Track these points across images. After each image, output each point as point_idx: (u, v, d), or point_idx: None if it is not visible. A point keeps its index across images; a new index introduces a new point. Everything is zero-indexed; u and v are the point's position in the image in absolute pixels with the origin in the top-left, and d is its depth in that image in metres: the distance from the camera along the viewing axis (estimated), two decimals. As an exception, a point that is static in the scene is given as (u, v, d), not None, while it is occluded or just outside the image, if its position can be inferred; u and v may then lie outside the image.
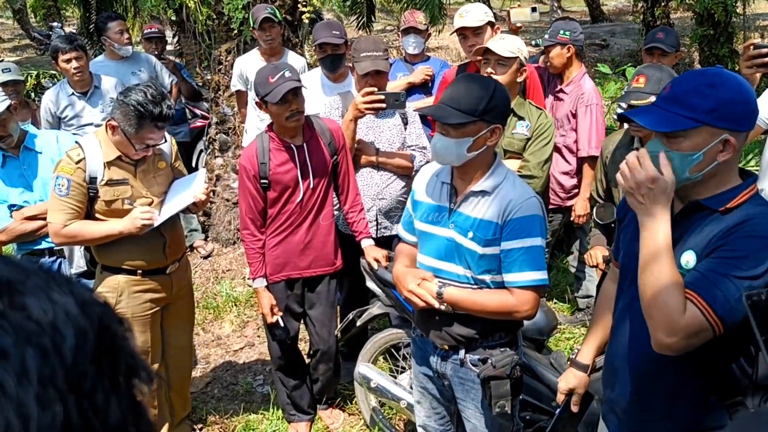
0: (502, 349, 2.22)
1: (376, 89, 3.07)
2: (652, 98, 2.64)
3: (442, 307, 2.15)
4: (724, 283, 1.47)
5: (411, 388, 2.68)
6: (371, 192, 3.30)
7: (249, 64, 4.37)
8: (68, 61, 4.29)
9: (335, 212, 3.19)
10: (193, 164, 5.77)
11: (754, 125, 1.63)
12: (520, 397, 2.37)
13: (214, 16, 5.02)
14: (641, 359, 1.72)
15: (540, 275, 2.08)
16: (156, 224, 2.78)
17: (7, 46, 19.04)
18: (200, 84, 5.93)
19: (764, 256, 1.47)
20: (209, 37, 5.20)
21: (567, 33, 3.95)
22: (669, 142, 1.60)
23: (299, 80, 2.83)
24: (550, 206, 3.92)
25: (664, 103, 1.62)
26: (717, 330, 1.48)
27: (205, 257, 5.25)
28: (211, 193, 5.10)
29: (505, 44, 3.06)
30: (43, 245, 3.13)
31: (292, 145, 2.96)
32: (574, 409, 2.09)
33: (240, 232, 3.21)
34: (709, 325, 1.47)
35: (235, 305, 4.65)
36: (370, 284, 3.08)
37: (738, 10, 9.17)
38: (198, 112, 5.78)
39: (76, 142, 2.81)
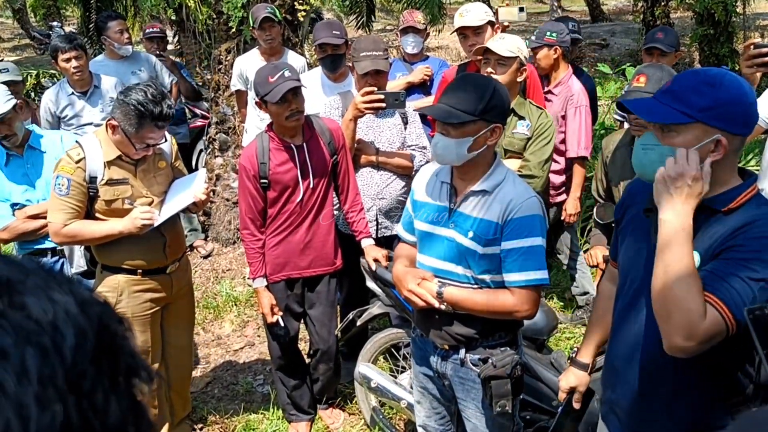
0: (502, 349, 2.22)
1: (375, 89, 3.07)
2: (653, 98, 2.64)
3: (442, 307, 2.15)
4: (740, 285, 1.45)
5: (411, 387, 2.68)
6: (371, 192, 3.30)
7: (249, 64, 4.37)
8: (68, 60, 4.29)
9: (335, 212, 3.19)
10: (193, 164, 5.77)
11: (751, 131, 1.61)
12: (521, 396, 2.37)
13: (214, 16, 5.02)
14: (642, 359, 1.71)
15: (540, 275, 2.08)
16: (156, 224, 2.78)
17: (7, 45, 19.05)
18: (200, 84, 5.93)
19: None
20: (209, 36, 5.20)
21: (554, 34, 3.97)
22: (662, 136, 1.60)
23: (299, 80, 2.83)
24: None
25: (661, 96, 1.62)
26: (731, 332, 1.46)
27: (205, 257, 5.24)
28: (211, 193, 5.10)
29: (505, 44, 3.05)
30: (46, 244, 3.13)
31: (291, 145, 2.96)
32: (577, 406, 2.10)
33: (240, 232, 3.21)
34: (725, 328, 1.45)
35: (235, 305, 4.65)
36: (370, 284, 3.08)
37: (738, 10, 9.18)
38: (198, 111, 5.78)
39: (76, 141, 2.81)
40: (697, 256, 1.54)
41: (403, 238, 2.40)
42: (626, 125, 3.53)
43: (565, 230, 4.14)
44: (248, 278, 4.27)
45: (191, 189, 2.87)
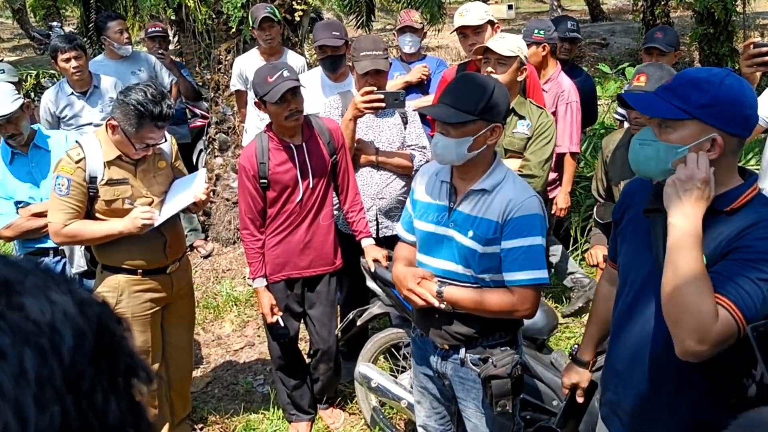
0: (502, 348, 2.22)
1: (375, 88, 3.06)
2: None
3: (442, 306, 2.15)
4: (750, 286, 1.45)
5: (411, 387, 2.68)
6: (371, 191, 3.30)
7: (248, 64, 4.37)
8: (67, 60, 4.29)
9: (335, 212, 3.19)
10: (194, 164, 5.76)
11: (749, 133, 1.59)
12: (521, 396, 2.37)
13: (214, 16, 5.02)
14: (645, 360, 1.70)
15: (540, 274, 2.07)
16: (156, 224, 2.78)
17: (7, 45, 19.05)
18: (200, 84, 5.93)
19: None
20: (209, 36, 5.20)
21: (541, 32, 3.99)
22: (660, 132, 1.60)
23: (297, 79, 2.83)
24: None
25: (661, 92, 1.62)
26: (742, 334, 1.44)
27: (205, 257, 5.24)
28: (211, 193, 5.10)
29: (505, 43, 3.05)
30: (48, 244, 3.14)
31: (291, 145, 2.96)
32: (580, 400, 2.11)
33: (240, 232, 3.21)
34: (737, 330, 1.44)
35: (236, 305, 4.65)
36: (371, 284, 3.07)
37: (738, 9, 9.18)
38: (198, 111, 5.78)
39: (76, 141, 2.81)
40: (702, 257, 1.54)
41: (403, 238, 2.40)
42: (626, 124, 3.53)
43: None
44: (248, 278, 4.27)
45: (191, 189, 2.87)
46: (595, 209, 3.26)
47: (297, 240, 3.03)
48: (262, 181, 2.94)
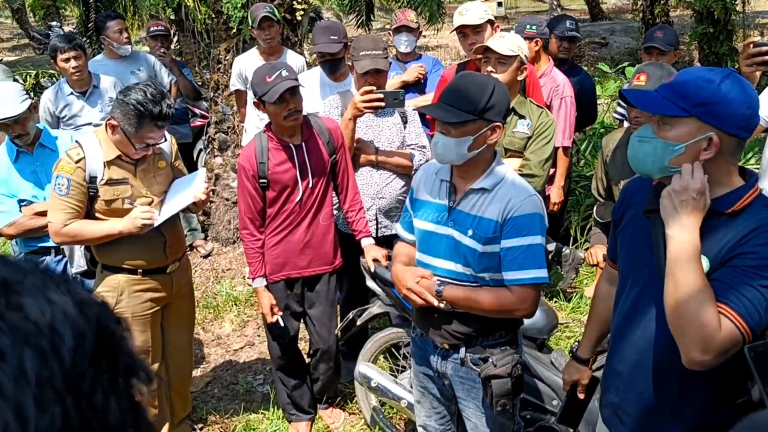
0: (502, 348, 2.22)
1: (375, 88, 3.06)
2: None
3: (442, 306, 2.15)
4: (753, 294, 1.45)
5: (411, 387, 2.68)
6: (371, 191, 3.30)
7: (248, 63, 4.36)
8: (67, 60, 4.28)
9: (335, 212, 3.19)
10: (195, 163, 5.75)
11: (749, 134, 1.58)
12: (521, 396, 2.37)
13: (213, 15, 5.01)
14: (648, 363, 1.70)
15: (540, 273, 2.07)
16: (156, 224, 2.78)
17: (6, 45, 19.05)
18: (199, 83, 5.93)
19: None
20: (208, 36, 5.20)
21: (533, 27, 4.02)
22: (659, 129, 1.60)
23: (296, 79, 2.83)
24: None
25: (662, 89, 1.62)
26: (746, 342, 1.45)
27: (205, 256, 5.24)
28: (211, 193, 5.09)
29: (505, 42, 3.05)
30: (50, 243, 3.15)
31: (290, 145, 2.96)
32: (581, 396, 2.12)
33: (239, 232, 3.21)
34: (742, 339, 1.44)
35: (235, 305, 4.65)
36: (370, 283, 3.07)
37: (737, 8, 9.17)
38: (197, 111, 5.77)
39: (76, 141, 2.81)
40: (705, 262, 1.53)
41: (403, 237, 2.39)
42: (626, 124, 3.53)
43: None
44: (248, 278, 4.27)
45: (191, 189, 2.87)
46: (594, 208, 3.26)
47: (297, 239, 3.03)
48: (261, 180, 2.94)
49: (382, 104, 3.05)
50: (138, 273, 2.86)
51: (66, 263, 3.18)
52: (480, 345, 2.22)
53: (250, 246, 3.03)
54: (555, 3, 16.62)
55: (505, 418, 2.27)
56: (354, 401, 3.52)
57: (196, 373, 3.88)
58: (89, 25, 6.59)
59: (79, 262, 3.08)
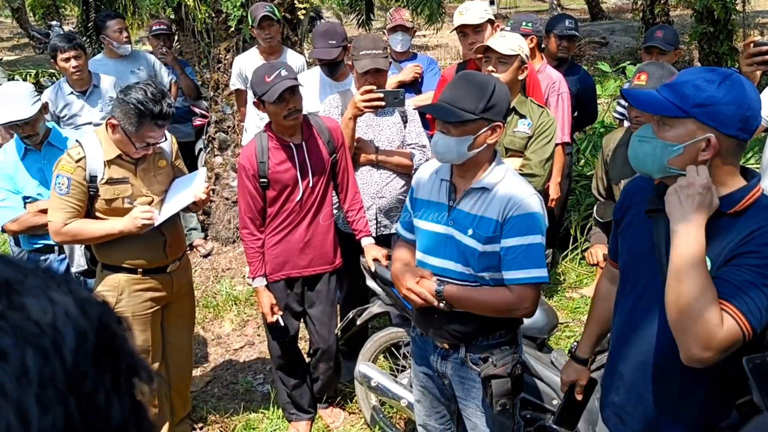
0: (502, 348, 2.22)
1: (375, 87, 3.06)
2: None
3: (441, 305, 2.15)
4: (756, 292, 1.44)
5: (411, 386, 2.68)
6: (371, 190, 3.30)
7: (248, 63, 4.36)
8: (67, 60, 4.28)
9: (335, 211, 3.19)
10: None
11: (749, 135, 1.57)
12: (521, 395, 2.37)
13: (213, 15, 5.01)
14: (649, 363, 1.70)
15: (540, 272, 2.07)
16: (156, 223, 2.78)
17: (6, 45, 19.04)
18: (199, 83, 5.92)
19: None
20: (208, 35, 5.19)
21: (529, 24, 4.04)
22: (658, 129, 1.60)
23: (296, 78, 2.83)
24: None
25: (662, 89, 1.62)
26: (746, 340, 1.45)
27: (205, 256, 5.24)
28: (211, 192, 5.09)
29: (506, 42, 3.04)
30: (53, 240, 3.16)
31: (290, 144, 2.96)
32: (579, 397, 2.11)
33: (239, 231, 3.21)
34: (742, 338, 1.44)
35: (235, 304, 4.65)
36: (370, 283, 3.07)
37: (737, 8, 9.17)
38: (197, 110, 5.77)
39: (77, 140, 2.82)
40: (708, 262, 1.53)
41: (403, 236, 2.39)
42: (626, 123, 3.53)
43: None
44: (248, 277, 4.27)
45: (191, 188, 2.87)
46: (595, 208, 3.26)
47: (297, 239, 3.03)
48: (261, 180, 2.94)
49: (382, 104, 3.05)
50: (138, 272, 2.86)
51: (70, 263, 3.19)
52: (480, 344, 2.22)
53: (250, 245, 3.03)
54: (555, 2, 16.62)
55: (505, 418, 2.27)
56: (354, 401, 3.52)
57: (196, 372, 3.88)
58: (89, 24, 6.58)
59: (79, 262, 3.08)
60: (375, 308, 3.11)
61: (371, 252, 3.02)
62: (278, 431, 3.43)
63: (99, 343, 0.49)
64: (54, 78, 7.44)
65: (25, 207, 3.11)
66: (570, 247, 4.99)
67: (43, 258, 3.34)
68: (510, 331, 2.25)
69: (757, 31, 12.63)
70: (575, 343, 2.19)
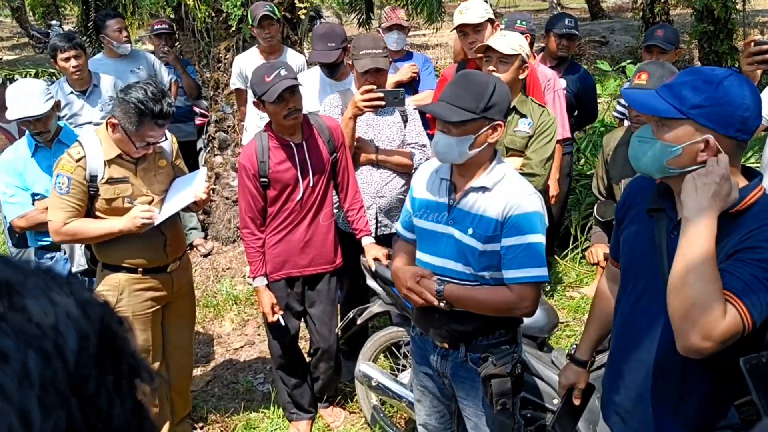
0: (502, 347, 2.21)
1: (375, 87, 3.06)
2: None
3: (442, 305, 2.14)
4: (758, 286, 1.44)
5: (412, 386, 2.67)
6: (371, 190, 3.30)
7: (248, 62, 4.36)
8: (67, 59, 4.28)
9: (335, 211, 3.19)
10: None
11: (748, 136, 1.57)
12: (521, 394, 2.37)
13: (213, 14, 5.00)
14: (649, 362, 1.70)
15: (540, 271, 2.07)
16: (156, 222, 2.78)
17: (6, 44, 19.03)
18: (200, 82, 5.92)
19: None
20: (208, 34, 5.19)
21: (523, 23, 4.06)
22: (657, 130, 1.60)
23: (295, 78, 2.83)
24: None
25: (661, 90, 1.62)
26: (745, 333, 1.44)
27: (205, 255, 5.24)
28: (211, 192, 5.09)
29: (506, 41, 3.04)
30: None
31: (291, 144, 2.96)
32: (576, 402, 2.09)
33: (240, 231, 3.21)
34: (742, 330, 1.43)
35: (236, 303, 4.65)
36: (371, 282, 3.07)
37: (737, 7, 9.17)
38: (197, 110, 5.77)
39: (77, 140, 2.82)
40: None
41: (402, 236, 2.39)
42: (626, 123, 3.53)
43: None
44: (248, 277, 4.27)
45: (192, 188, 2.87)
46: (595, 207, 3.26)
47: (297, 238, 3.03)
48: (262, 179, 2.94)
49: (383, 103, 3.05)
50: (138, 272, 2.86)
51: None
52: (480, 344, 2.21)
53: (250, 245, 3.03)
54: (555, 1, 16.60)
55: (505, 417, 2.27)
56: (354, 400, 3.52)
57: (197, 372, 3.88)
58: (89, 24, 6.57)
59: (79, 261, 3.09)
60: (375, 308, 3.11)
61: (371, 251, 3.02)
62: (279, 431, 3.43)
63: (101, 345, 0.49)
64: (54, 77, 7.43)
65: (33, 204, 3.13)
66: (570, 246, 4.99)
67: (49, 255, 3.38)
68: (510, 331, 2.25)
69: (758, 30, 12.63)
70: (574, 346, 2.18)
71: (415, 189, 2.30)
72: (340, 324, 3.28)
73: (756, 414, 1.55)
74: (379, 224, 3.34)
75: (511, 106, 2.77)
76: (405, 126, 3.36)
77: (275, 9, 4.32)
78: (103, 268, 2.90)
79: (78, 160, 2.68)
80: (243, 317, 4.51)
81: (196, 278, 4.78)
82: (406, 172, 3.33)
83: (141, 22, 7.20)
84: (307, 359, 3.40)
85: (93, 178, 2.71)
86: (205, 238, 5.41)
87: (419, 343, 2.40)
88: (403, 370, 3.23)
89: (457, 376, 2.29)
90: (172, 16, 5.42)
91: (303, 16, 5.08)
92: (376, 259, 2.98)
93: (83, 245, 3.00)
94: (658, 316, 1.64)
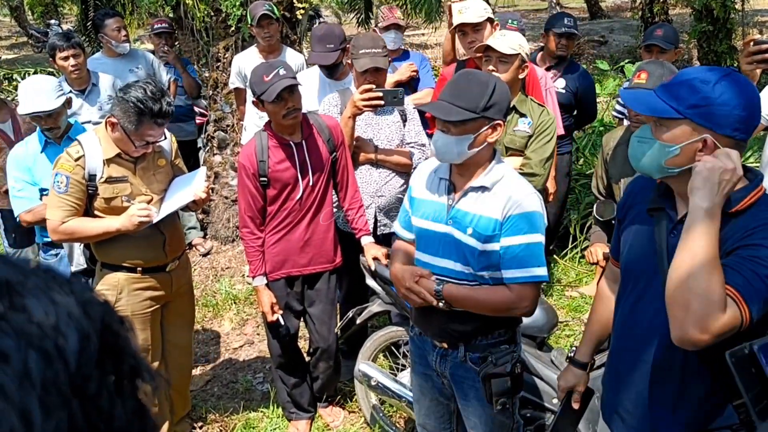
0: (501, 346, 2.21)
1: (374, 86, 3.06)
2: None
3: (441, 305, 2.14)
4: (758, 282, 1.44)
5: (411, 385, 2.67)
6: (370, 189, 3.29)
7: (247, 62, 4.35)
8: (66, 58, 4.27)
9: (335, 211, 3.19)
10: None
11: (746, 135, 1.57)
12: (521, 394, 2.36)
13: (212, 13, 5.00)
14: (648, 361, 1.70)
15: (539, 271, 2.07)
16: (155, 221, 2.77)
17: (5, 43, 19.01)
18: (200, 81, 5.92)
19: None
20: (207, 34, 5.18)
21: (515, 22, 4.04)
22: (656, 130, 1.60)
23: (294, 77, 2.82)
24: None
25: (659, 90, 1.62)
26: (742, 328, 1.44)
27: (204, 255, 5.24)
28: (211, 191, 5.08)
29: (506, 41, 3.04)
30: None
31: (290, 143, 2.96)
32: (575, 406, 2.08)
33: (239, 230, 3.21)
34: (740, 325, 1.43)
35: (235, 303, 4.65)
36: (370, 282, 3.07)
37: (736, 6, 9.17)
38: (196, 109, 5.76)
39: (76, 139, 2.81)
40: None
41: (401, 236, 2.38)
42: (626, 122, 3.53)
43: None
44: (248, 276, 4.26)
45: (191, 187, 2.87)
46: (594, 207, 3.26)
47: (297, 238, 3.02)
48: (261, 179, 2.94)
49: (382, 102, 3.05)
50: (137, 271, 2.86)
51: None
52: (479, 344, 2.21)
53: (250, 244, 3.03)
54: (554, 1, 16.59)
55: (505, 417, 2.26)
56: (354, 399, 3.52)
57: (196, 371, 3.87)
58: (88, 23, 6.57)
59: (78, 260, 3.08)
60: (375, 307, 3.11)
61: (371, 251, 3.01)
62: (278, 430, 3.43)
63: (102, 345, 0.49)
64: (53, 77, 7.41)
65: (41, 199, 3.14)
66: (569, 246, 4.99)
67: (54, 252, 3.39)
68: (509, 330, 2.25)
69: (757, 29, 12.63)
70: (574, 348, 2.17)
71: (414, 189, 2.30)
72: (339, 323, 3.28)
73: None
74: (378, 224, 3.34)
75: (511, 105, 2.77)
76: (404, 125, 3.36)
77: (274, 8, 4.32)
78: (102, 268, 2.90)
79: (77, 159, 2.68)
80: (242, 316, 4.51)
81: (195, 277, 4.78)
82: (405, 171, 3.33)
83: (141, 21, 7.20)
84: (307, 359, 3.40)
85: (92, 177, 2.71)
86: (204, 237, 5.41)
87: (418, 343, 2.40)
88: (402, 370, 3.22)
89: (456, 376, 2.29)
90: (171, 15, 5.42)
91: (302, 16, 5.08)
92: (375, 259, 2.98)
93: (82, 244, 3.00)
94: (658, 316, 1.64)
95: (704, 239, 1.46)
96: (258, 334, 4.27)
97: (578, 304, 4.39)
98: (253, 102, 2.99)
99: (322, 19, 10.43)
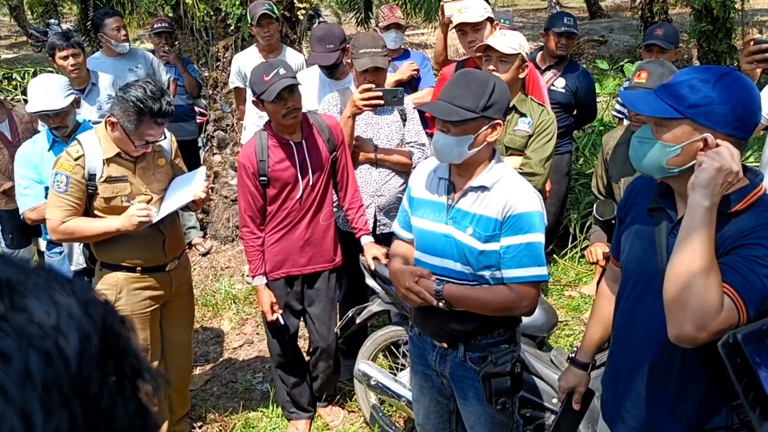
0: (501, 346, 2.21)
1: (374, 86, 3.05)
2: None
3: (441, 305, 2.14)
4: (756, 281, 1.44)
5: (411, 385, 2.67)
6: (370, 189, 3.29)
7: (247, 61, 4.35)
8: (65, 58, 4.27)
9: (335, 210, 3.18)
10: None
11: (747, 134, 1.57)
12: (520, 394, 2.36)
13: (212, 13, 5.00)
14: (647, 361, 1.70)
15: (539, 271, 2.07)
16: (154, 220, 2.77)
17: (4, 43, 19.00)
18: (200, 80, 5.91)
19: None
20: (207, 33, 5.18)
21: (507, 22, 4.04)
22: (656, 130, 1.60)
23: (294, 77, 2.82)
24: None
25: (658, 90, 1.62)
26: (739, 325, 1.44)
27: (204, 254, 5.24)
28: (210, 191, 5.08)
29: (506, 41, 3.03)
30: None
31: (290, 142, 2.95)
32: (576, 407, 2.08)
33: (239, 230, 3.21)
34: (737, 323, 1.43)
35: (234, 302, 4.65)
36: (370, 281, 3.07)
37: (736, 6, 9.17)
38: (197, 109, 5.76)
39: (76, 138, 2.81)
40: None
41: (400, 236, 2.38)
42: (626, 122, 3.52)
43: None
44: (247, 276, 4.26)
45: (191, 186, 2.86)
46: (594, 206, 3.25)
47: (297, 237, 3.02)
48: (261, 178, 2.93)
49: (381, 102, 3.05)
50: (137, 271, 2.86)
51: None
52: (479, 343, 2.21)
53: (250, 244, 3.03)
54: (554, 1, 16.59)
55: (504, 416, 2.26)
56: (353, 399, 3.52)
57: (195, 371, 3.87)
58: (87, 22, 6.57)
59: (77, 260, 3.08)
60: (374, 307, 3.11)
61: (371, 250, 3.01)
62: (277, 430, 3.43)
63: (103, 345, 0.49)
64: (62, 76, 7.40)
65: (46, 197, 3.14)
66: (569, 245, 4.99)
67: (58, 250, 3.41)
68: (509, 330, 2.24)
69: (756, 28, 12.64)
70: (575, 348, 2.17)
71: (413, 188, 2.30)
72: (339, 323, 3.27)
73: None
74: (378, 223, 3.34)
75: (511, 105, 2.77)
76: (404, 125, 3.35)
77: (274, 8, 4.31)
78: (101, 267, 2.90)
79: (76, 159, 2.68)
80: (242, 316, 4.50)
81: (194, 277, 4.78)
82: (405, 171, 3.33)
83: (142, 21, 7.19)
84: (306, 358, 3.40)
85: (92, 177, 2.71)
86: (204, 237, 5.41)
87: (418, 343, 2.39)
88: (402, 370, 3.22)
89: (456, 376, 2.29)
90: (171, 14, 5.42)
91: (302, 16, 5.08)
92: (375, 258, 2.97)
93: (81, 244, 3.00)
94: (658, 316, 1.64)
95: (702, 238, 1.47)
96: (257, 334, 4.27)
97: (578, 304, 4.39)
98: (253, 101, 2.98)
99: (321, 19, 10.42)
